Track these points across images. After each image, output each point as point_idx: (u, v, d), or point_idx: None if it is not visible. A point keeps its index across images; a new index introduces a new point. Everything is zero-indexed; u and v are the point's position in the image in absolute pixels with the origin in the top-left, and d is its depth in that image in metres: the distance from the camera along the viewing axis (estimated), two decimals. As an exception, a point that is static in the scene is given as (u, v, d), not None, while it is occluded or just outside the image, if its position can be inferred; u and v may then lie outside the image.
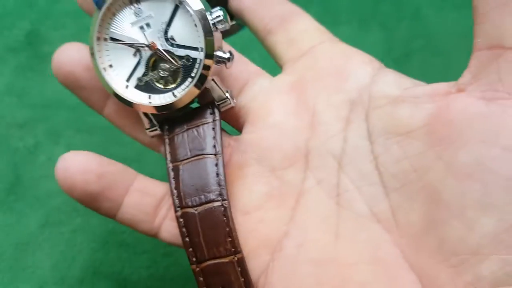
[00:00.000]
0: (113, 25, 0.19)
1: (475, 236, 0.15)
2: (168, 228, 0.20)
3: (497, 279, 0.14)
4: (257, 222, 0.19)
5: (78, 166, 0.19)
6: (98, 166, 0.19)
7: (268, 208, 0.19)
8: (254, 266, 0.18)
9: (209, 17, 0.18)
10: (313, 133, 0.19)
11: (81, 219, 0.29)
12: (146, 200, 0.20)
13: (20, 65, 0.34)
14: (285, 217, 0.18)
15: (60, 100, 0.33)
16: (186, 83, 0.19)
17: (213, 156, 0.19)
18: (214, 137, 0.19)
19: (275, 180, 0.19)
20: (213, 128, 0.20)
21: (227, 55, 0.19)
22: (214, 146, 0.19)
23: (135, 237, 0.29)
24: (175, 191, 0.19)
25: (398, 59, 0.35)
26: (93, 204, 0.20)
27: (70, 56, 0.20)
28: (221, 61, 0.19)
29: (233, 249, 0.18)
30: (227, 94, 0.20)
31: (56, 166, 0.19)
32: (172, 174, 0.20)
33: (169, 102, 0.19)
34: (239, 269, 0.18)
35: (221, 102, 0.20)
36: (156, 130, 0.21)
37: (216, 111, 0.20)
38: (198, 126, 0.20)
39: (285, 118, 0.19)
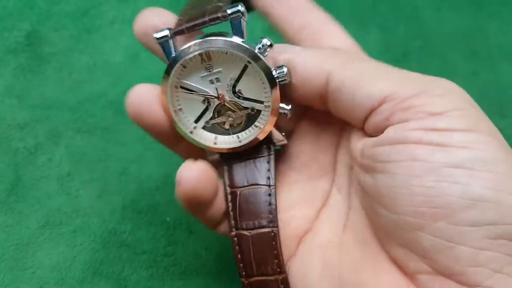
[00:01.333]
0: (186, 76, 0.21)
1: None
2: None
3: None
4: (290, 217, 0.22)
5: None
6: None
7: (301, 207, 0.22)
8: (284, 253, 0.21)
9: (274, 73, 0.20)
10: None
11: (81, 219, 0.29)
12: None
13: (20, 66, 0.34)
14: (311, 216, 0.22)
15: (60, 101, 0.33)
16: (251, 130, 0.22)
17: (267, 187, 0.22)
18: (269, 170, 0.22)
19: (309, 186, 0.22)
20: (268, 162, 0.22)
21: (289, 107, 0.20)
22: (268, 178, 0.22)
23: (135, 237, 0.29)
24: (231, 213, 0.22)
25: (396, 59, 0.35)
26: (202, 209, 0.22)
27: (142, 96, 0.22)
28: (282, 112, 0.21)
29: (278, 269, 0.21)
30: (283, 137, 0.22)
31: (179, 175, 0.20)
32: (230, 197, 0.22)
33: (234, 146, 0.22)
34: (282, 286, 0.21)
35: (278, 141, 0.22)
36: (216, 156, 0.22)
37: (271, 147, 0.22)
38: (255, 158, 0.22)
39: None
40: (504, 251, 0.16)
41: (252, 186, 0.22)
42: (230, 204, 0.22)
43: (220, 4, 0.20)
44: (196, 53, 0.20)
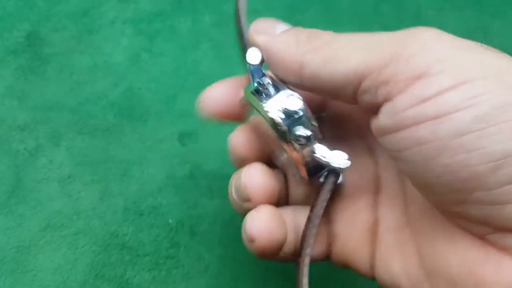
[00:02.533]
0: None
1: None
2: None
3: None
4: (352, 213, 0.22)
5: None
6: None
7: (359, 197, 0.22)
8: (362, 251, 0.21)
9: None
10: None
11: (83, 222, 0.29)
12: None
13: (21, 67, 0.34)
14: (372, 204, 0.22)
15: (61, 103, 0.33)
16: None
17: None
18: None
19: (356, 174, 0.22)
20: None
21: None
22: None
23: (137, 239, 0.29)
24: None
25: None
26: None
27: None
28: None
29: None
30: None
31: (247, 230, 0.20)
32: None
33: None
34: None
35: None
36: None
37: None
38: None
39: None
40: None
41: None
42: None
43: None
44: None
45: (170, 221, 0.29)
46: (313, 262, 0.21)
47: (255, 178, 0.21)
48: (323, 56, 0.18)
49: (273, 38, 0.20)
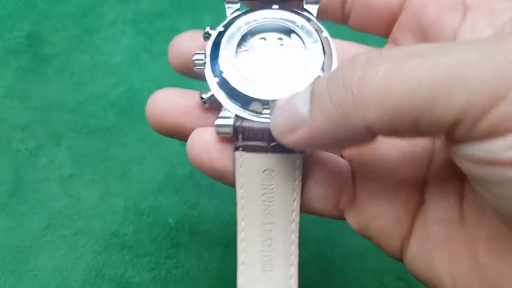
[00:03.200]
0: None
1: None
2: None
3: None
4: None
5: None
6: None
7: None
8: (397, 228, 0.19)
9: None
10: None
11: (83, 221, 0.29)
12: None
13: (21, 67, 0.34)
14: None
15: (62, 102, 0.33)
16: None
17: None
18: None
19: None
20: None
21: None
22: None
23: (137, 239, 0.29)
24: None
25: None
26: None
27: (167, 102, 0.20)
28: None
29: None
30: None
31: None
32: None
33: None
34: None
35: None
36: None
37: None
38: None
39: None
40: None
41: None
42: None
43: None
44: None
45: (170, 221, 0.29)
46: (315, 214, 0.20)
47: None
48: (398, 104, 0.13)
49: (308, 127, 0.15)
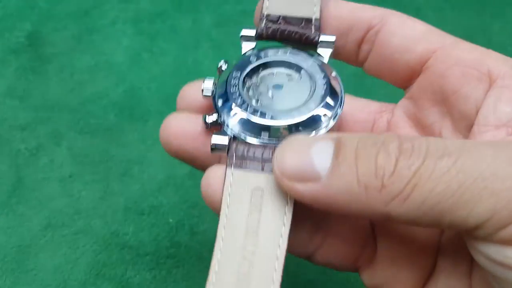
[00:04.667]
0: None
1: None
2: None
3: None
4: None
5: None
6: None
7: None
8: None
9: None
10: None
11: (83, 221, 0.29)
12: None
13: (22, 67, 0.34)
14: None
15: (62, 102, 0.33)
16: None
17: None
18: None
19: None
20: None
21: None
22: None
23: (137, 239, 0.29)
24: None
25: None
26: None
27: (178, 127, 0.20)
28: None
29: None
30: None
31: None
32: None
33: None
34: None
35: None
36: None
37: None
38: None
39: None
40: None
41: None
42: None
43: None
44: None
45: (171, 220, 0.29)
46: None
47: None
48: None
49: (322, 187, 0.14)
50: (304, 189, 0.15)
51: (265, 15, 0.20)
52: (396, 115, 0.20)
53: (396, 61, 0.19)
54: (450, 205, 0.13)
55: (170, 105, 0.33)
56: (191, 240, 0.29)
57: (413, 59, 0.19)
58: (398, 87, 0.20)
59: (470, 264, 0.18)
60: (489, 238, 0.14)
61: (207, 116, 0.19)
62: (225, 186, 0.17)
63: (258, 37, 0.20)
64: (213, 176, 0.17)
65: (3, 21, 0.36)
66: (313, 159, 0.14)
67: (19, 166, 0.30)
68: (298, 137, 0.16)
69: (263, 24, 0.20)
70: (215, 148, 0.18)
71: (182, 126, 0.19)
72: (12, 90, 0.33)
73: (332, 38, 0.19)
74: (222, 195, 0.17)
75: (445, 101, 0.18)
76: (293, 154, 0.15)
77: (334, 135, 0.15)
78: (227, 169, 0.17)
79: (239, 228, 0.16)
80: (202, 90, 0.19)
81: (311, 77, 0.19)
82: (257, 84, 0.19)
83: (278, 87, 0.19)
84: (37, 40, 0.35)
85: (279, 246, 0.16)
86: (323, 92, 0.18)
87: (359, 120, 0.20)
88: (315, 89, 0.18)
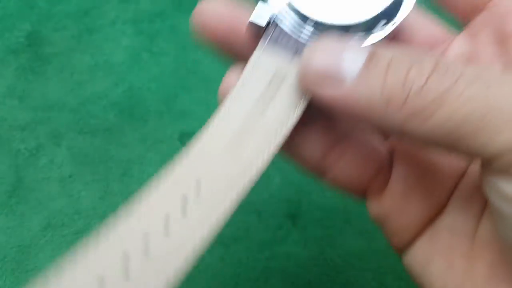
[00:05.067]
0: None
1: None
2: None
3: None
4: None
5: None
6: None
7: None
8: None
9: None
10: None
11: (83, 221, 0.29)
12: None
13: (21, 67, 0.34)
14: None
15: (62, 102, 0.33)
16: None
17: None
18: None
19: None
20: None
21: None
22: None
23: (137, 239, 0.29)
24: None
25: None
26: None
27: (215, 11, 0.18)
28: None
29: None
30: None
31: None
32: None
33: None
34: None
35: None
36: None
37: None
38: None
39: None
40: None
41: None
42: None
43: None
44: None
45: (171, 220, 0.29)
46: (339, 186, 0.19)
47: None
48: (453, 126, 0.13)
49: (346, 92, 0.14)
50: (325, 91, 0.14)
51: None
52: (451, 49, 0.19)
53: None
54: (472, 130, 0.13)
55: (170, 105, 0.33)
56: (191, 240, 0.29)
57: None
58: (460, 21, 0.20)
59: (482, 209, 0.17)
60: (505, 171, 0.13)
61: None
62: (248, 64, 0.16)
63: None
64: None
65: (2, 21, 0.36)
66: (343, 62, 0.14)
67: (18, 166, 0.30)
68: (333, 39, 0.15)
69: None
70: (251, 26, 0.17)
71: (218, 8, 0.18)
72: (11, 90, 0.33)
73: None
74: (243, 73, 0.16)
75: (503, 43, 0.18)
76: (324, 53, 0.15)
77: (371, 48, 0.15)
78: (256, 50, 0.16)
79: (246, 105, 0.16)
80: None
81: None
82: None
83: None
84: (36, 40, 0.35)
85: (278, 133, 0.16)
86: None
87: (416, 40, 0.19)
88: None
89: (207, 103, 0.33)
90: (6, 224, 0.29)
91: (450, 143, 0.14)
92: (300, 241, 0.29)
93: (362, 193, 0.19)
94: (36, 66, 0.34)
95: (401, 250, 0.19)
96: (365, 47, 0.15)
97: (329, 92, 0.14)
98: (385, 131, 0.18)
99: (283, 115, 0.16)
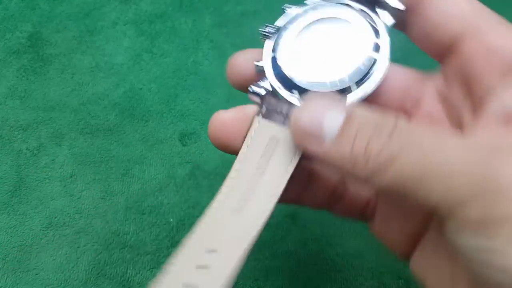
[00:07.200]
0: None
1: None
2: None
3: None
4: None
5: None
6: None
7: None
8: None
9: None
10: None
11: (84, 221, 0.29)
12: None
13: (23, 68, 0.34)
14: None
15: (63, 103, 0.33)
16: None
17: None
18: None
19: None
20: None
21: None
22: None
23: (138, 238, 0.29)
24: None
25: (397, 60, 0.35)
26: None
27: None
28: None
29: None
30: None
31: None
32: None
33: None
34: None
35: None
36: None
37: None
38: None
39: None
40: None
41: None
42: None
43: None
44: None
45: (171, 220, 0.29)
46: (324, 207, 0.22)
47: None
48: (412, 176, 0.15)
49: (327, 149, 0.16)
50: (310, 147, 0.17)
51: None
52: (426, 89, 0.21)
53: (432, 34, 0.20)
54: (414, 186, 0.15)
55: (170, 106, 0.33)
56: (191, 239, 0.29)
57: (447, 37, 0.19)
58: (435, 59, 0.21)
59: None
60: (445, 220, 0.15)
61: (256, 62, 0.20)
62: (250, 130, 0.19)
63: None
64: (222, 118, 0.20)
65: (4, 22, 0.36)
66: (323, 123, 0.16)
67: (20, 166, 0.31)
68: (317, 100, 0.17)
69: None
70: (253, 93, 0.20)
71: (247, 63, 0.20)
72: (13, 91, 0.33)
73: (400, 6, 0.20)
74: (245, 137, 0.19)
75: (468, 85, 0.18)
76: (309, 114, 0.17)
77: (350, 107, 0.17)
78: (256, 116, 0.19)
79: (251, 164, 0.19)
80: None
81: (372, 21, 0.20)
82: (310, 35, 0.20)
83: (332, 34, 0.20)
84: (38, 41, 0.35)
85: (279, 185, 0.19)
86: (371, 37, 0.20)
87: (394, 88, 0.21)
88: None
89: (207, 104, 0.33)
90: (8, 224, 0.29)
91: (406, 195, 0.15)
92: (300, 241, 0.29)
93: (362, 218, 0.22)
94: (37, 67, 0.34)
95: (404, 259, 0.20)
96: (343, 108, 0.17)
97: (313, 148, 0.17)
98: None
99: (281, 169, 0.19)
